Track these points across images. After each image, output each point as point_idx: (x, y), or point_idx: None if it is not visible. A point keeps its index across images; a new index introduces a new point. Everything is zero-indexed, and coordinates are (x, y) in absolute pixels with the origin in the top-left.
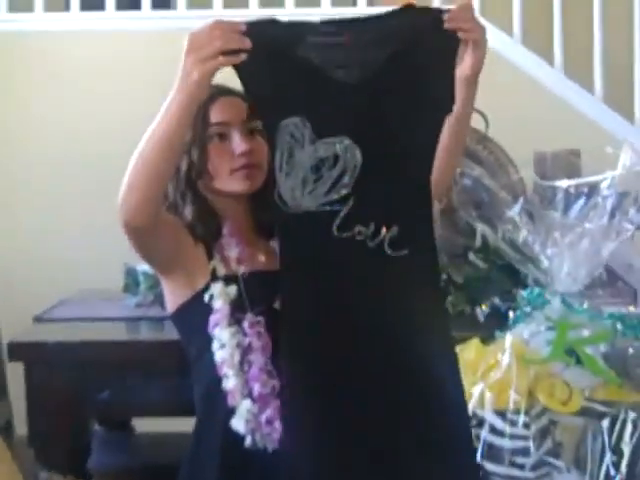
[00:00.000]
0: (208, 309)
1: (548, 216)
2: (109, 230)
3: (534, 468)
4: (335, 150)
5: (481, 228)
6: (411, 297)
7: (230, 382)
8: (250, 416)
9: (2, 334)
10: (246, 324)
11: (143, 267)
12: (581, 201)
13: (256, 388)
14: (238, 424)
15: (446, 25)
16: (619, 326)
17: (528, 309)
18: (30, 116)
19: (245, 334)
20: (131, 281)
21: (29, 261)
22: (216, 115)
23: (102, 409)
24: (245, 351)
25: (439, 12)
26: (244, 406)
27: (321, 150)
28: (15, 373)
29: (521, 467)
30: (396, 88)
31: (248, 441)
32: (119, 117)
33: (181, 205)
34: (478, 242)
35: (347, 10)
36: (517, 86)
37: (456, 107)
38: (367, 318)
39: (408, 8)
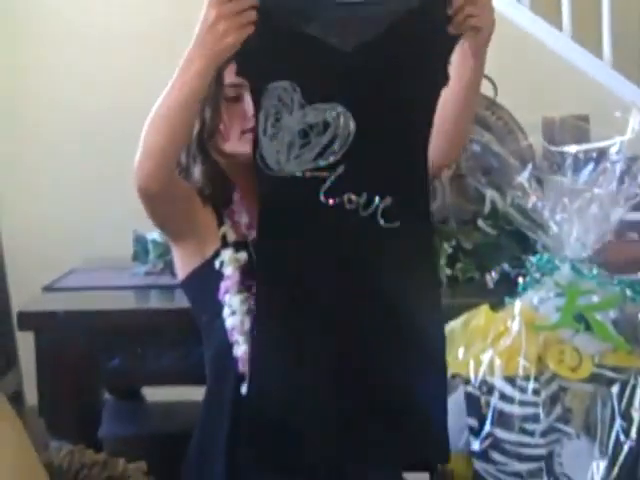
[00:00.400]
0: (219, 275)
1: (557, 182)
2: (118, 197)
3: (544, 434)
4: (325, 117)
5: (490, 194)
6: (402, 268)
7: (241, 348)
8: None
9: (12, 304)
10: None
11: (152, 235)
12: (590, 166)
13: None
14: None
15: (455, 11)
16: (628, 292)
17: (537, 275)
18: (45, 72)
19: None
20: (140, 249)
21: (37, 230)
22: (230, 76)
23: (112, 378)
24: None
25: None
26: None
27: (310, 116)
28: (25, 342)
29: (531, 434)
30: (393, 57)
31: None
32: (125, 86)
33: (192, 167)
34: (487, 208)
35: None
36: (525, 52)
37: (466, 76)
38: (353, 287)
39: None
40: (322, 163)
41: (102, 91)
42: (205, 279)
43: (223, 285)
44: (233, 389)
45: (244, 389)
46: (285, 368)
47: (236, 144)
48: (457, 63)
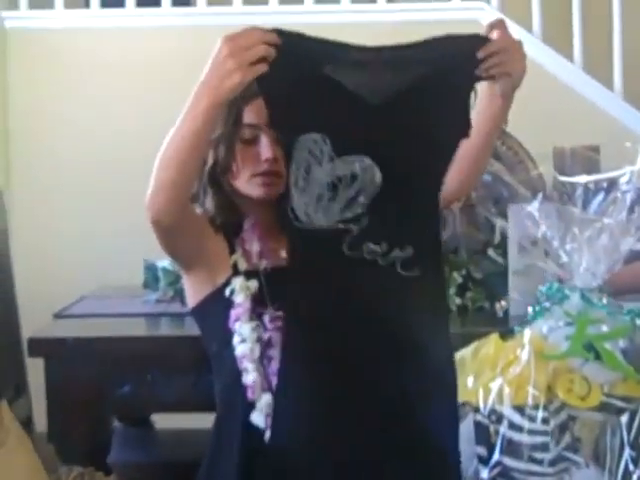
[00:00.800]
0: (229, 303)
1: (567, 211)
2: (129, 226)
3: (553, 463)
4: (354, 169)
5: (500, 224)
6: (421, 313)
7: (250, 376)
8: (270, 410)
9: (22, 330)
10: (267, 319)
11: (163, 263)
12: (600, 196)
13: (276, 382)
14: (258, 418)
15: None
16: (638, 321)
17: (547, 304)
18: (52, 115)
19: (266, 329)
20: (151, 277)
21: (49, 258)
22: (249, 116)
23: (122, 405)
24: (265, 346)
25: (477, 40)
26: (264, 400)
27: (339, 168)
28: (35, 369)
29: (540, 462)
30: (420, 108)
31: (268, 435)
32: (139, 114)
33: (202, 197)
34: (497, 238)
35: (367, 7)
36: (537, 83)
37: (492, 118)
38: (375, 332)
39: (447, 37)
40: (348, 215)
41: (118, 118)
42: (215, 307)
43: (233, 313)
44: (242, 417)
45: (254, 417)
46: (310, 413)
47: (245, 186)
48: (484, 105)
